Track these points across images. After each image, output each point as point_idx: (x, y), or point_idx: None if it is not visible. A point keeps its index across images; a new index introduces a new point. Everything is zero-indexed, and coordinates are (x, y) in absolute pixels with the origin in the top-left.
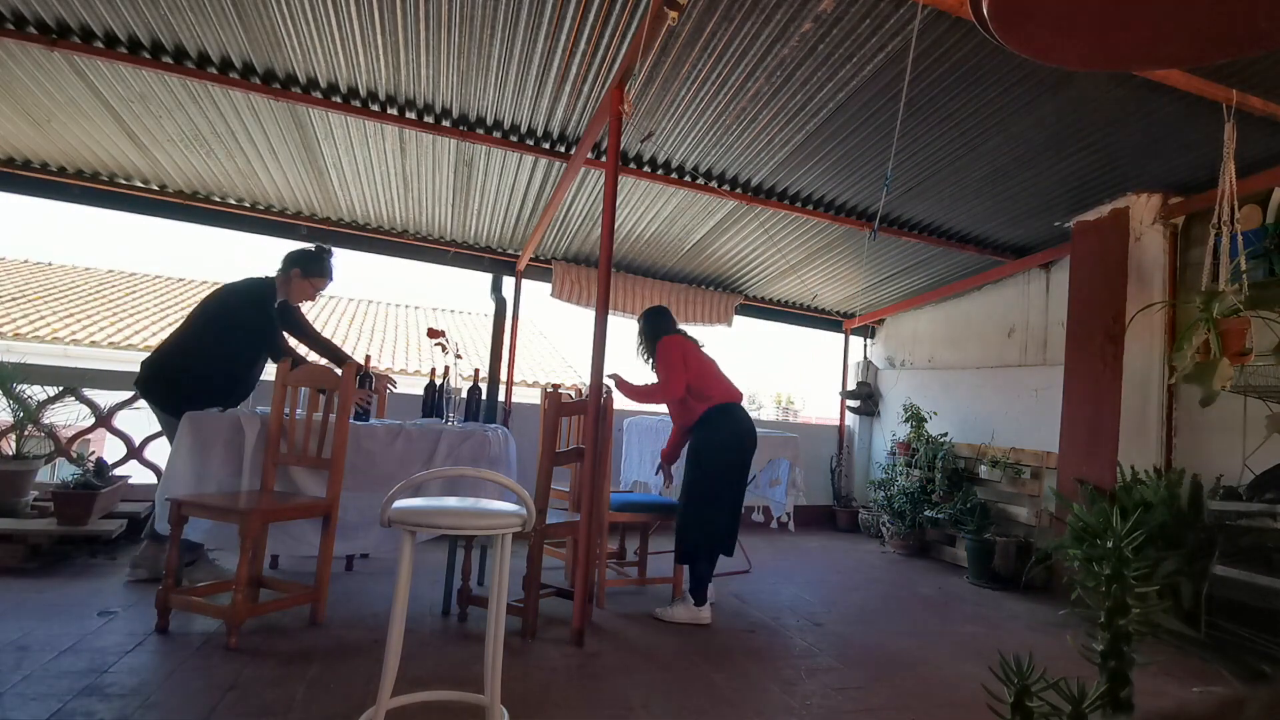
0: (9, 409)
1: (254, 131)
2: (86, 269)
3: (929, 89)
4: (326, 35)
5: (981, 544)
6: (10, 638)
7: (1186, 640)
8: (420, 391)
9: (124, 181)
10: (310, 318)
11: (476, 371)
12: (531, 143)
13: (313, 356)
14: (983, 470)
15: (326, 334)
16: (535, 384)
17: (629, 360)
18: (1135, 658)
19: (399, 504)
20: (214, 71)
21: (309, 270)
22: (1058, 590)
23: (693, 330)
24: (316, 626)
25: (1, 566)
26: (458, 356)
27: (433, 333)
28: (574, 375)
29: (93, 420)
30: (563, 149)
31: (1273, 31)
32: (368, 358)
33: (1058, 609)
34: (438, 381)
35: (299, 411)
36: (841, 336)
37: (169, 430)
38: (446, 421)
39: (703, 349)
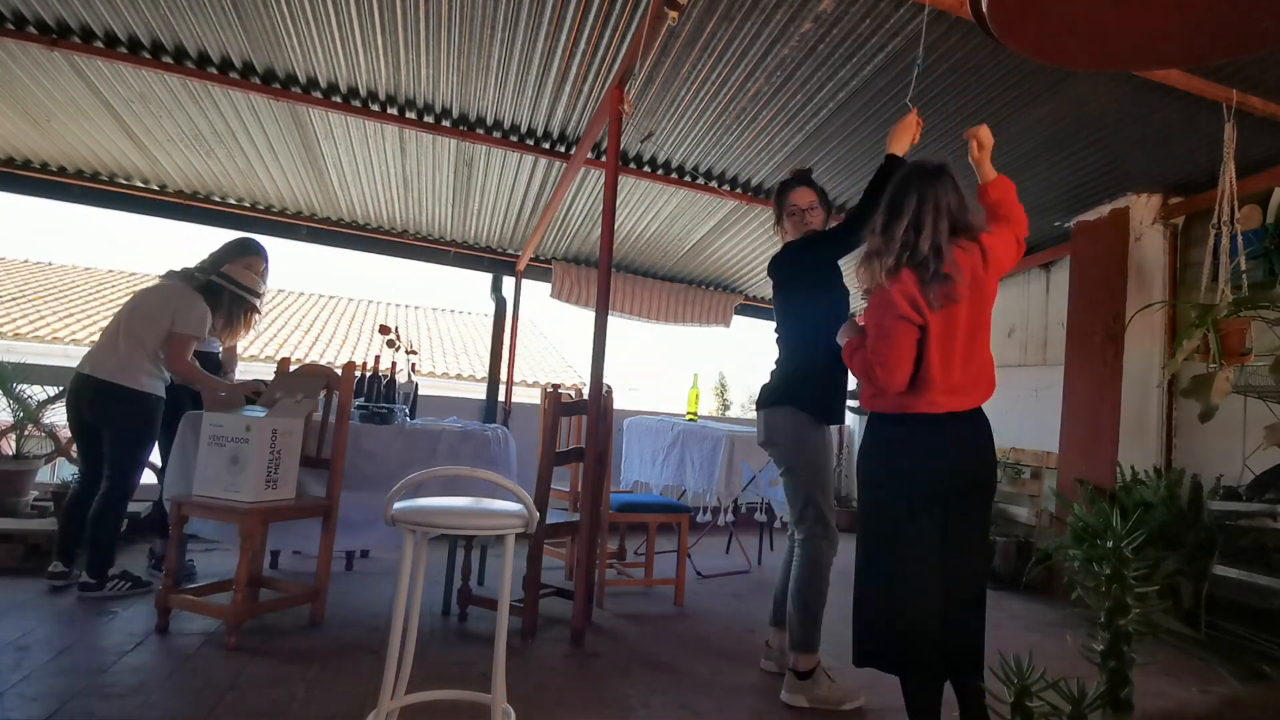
0: (9, 409)
1: (254, 131)
2: (86, 269)
3: (929, 89)
4: (326, 35)
5: None
6: (10, 638)
7: (1186, 640)
8: (428, 392)
9: (124, 181)
10: (309, 317)
11: (393, 364)
12: (531, 143)
13: None
14: None
15: (327, 334)
16: (535, 384)
17: (628, 360)
18: (1135, 658)
19: (402, 504)
20: (214, 71)
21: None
22: (1058, 590)
23: (692, 330)
24: (316, 626)
25: (1, 566)
26: (410, 352)
27: (384, 329)
28: (574, 375)
29: None
30: (563, 149)
31: (1273, 31)
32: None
33: (1058, 609)
34: (390, 376)
35: None
36: None
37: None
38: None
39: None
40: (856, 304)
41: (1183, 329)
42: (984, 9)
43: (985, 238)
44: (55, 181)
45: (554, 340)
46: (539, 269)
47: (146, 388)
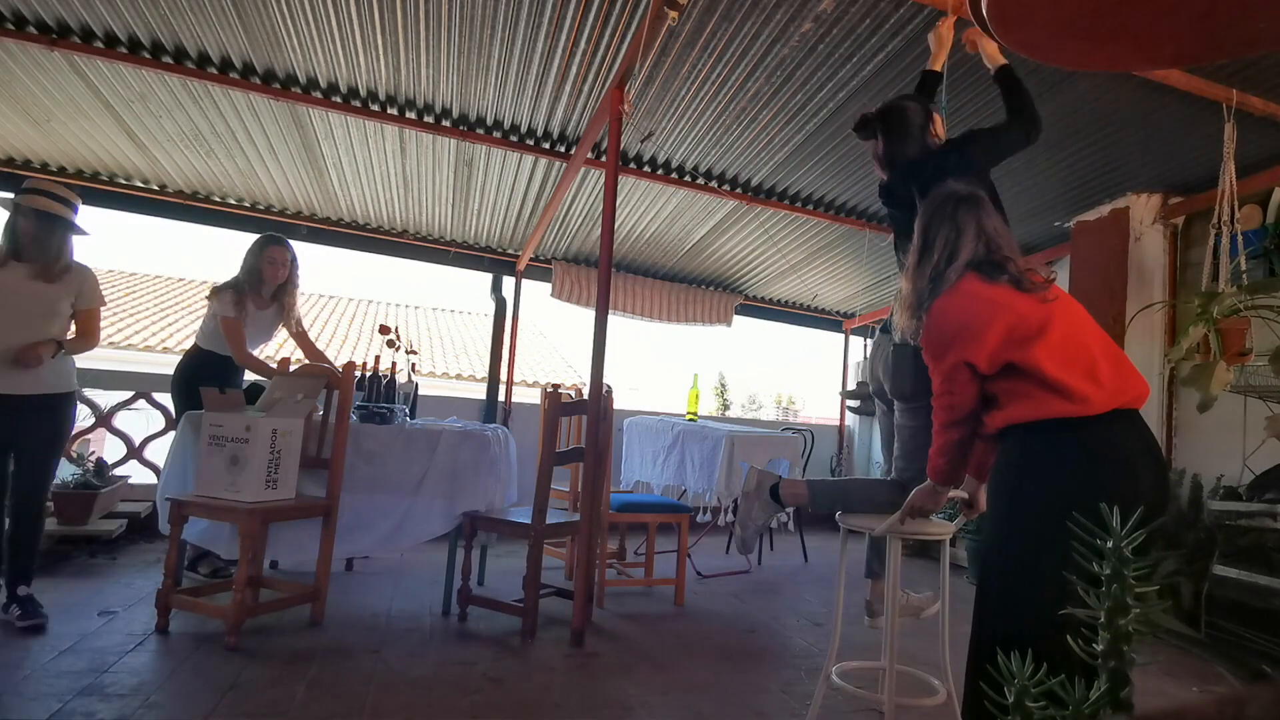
0: None
1: (254, 131)
2: None
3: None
4: (326, 35)
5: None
6: (10, 637)
7: (1186, 640)
8: (428, 392)
9: (124, 181)
10: (310, 317)
11: (393, 364)
12: (531, 143)
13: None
14: None
15: (327, 334)
16: (535, 384)
17: (628, 360)
18: (1135, 658)
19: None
20: (214, 71)
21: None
22: None
23: (692, 330)
24: (316, 627)
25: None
26: (410, 352)
27: (384, 329)
28: (574, 375)
29: (93, 420)
30: (563, 149)
31: (1272, 31)
32: None
33: None
34: (391, 376)
35: None
36: (841, 336)
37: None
38: (396, 413)
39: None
40: None
41: (1183, 326)
42: (984, 9)
43: None
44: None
45: (554, 340)
46: (539, 269)
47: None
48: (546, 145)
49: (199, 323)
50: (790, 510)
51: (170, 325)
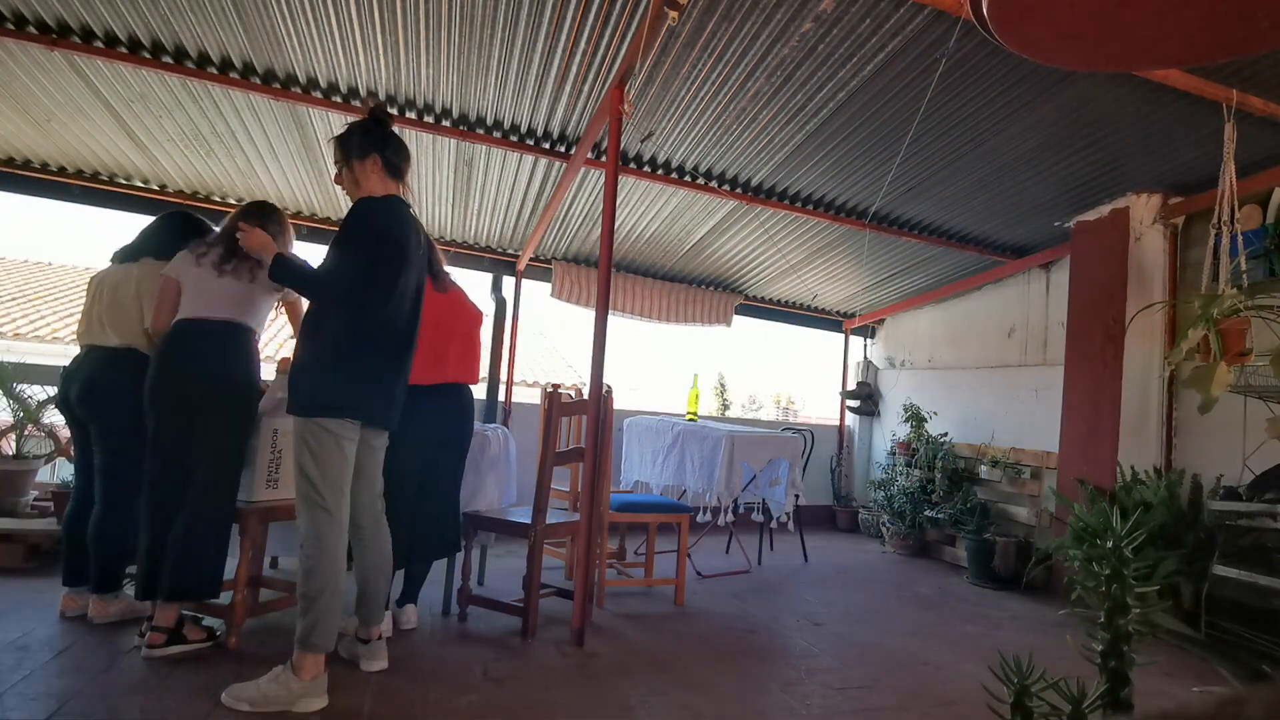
0: (9, 409)
1: (254, 131)
2: (86, 269)
3: (929, 89)
4: (326, 35)
5: (981, 544)
6: (10, 638)
7: (1186, 640)
8: None
9: (124, 181)
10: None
11: None
12: (531, 143)
13: None
14: (983, 470)
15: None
16: (535, 384)
17: (628, 360)
18: (1135, 658)
19: None
20: (214, 71)
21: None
22: (1058, 590)
23: (692, 330)
24: None
25: (1, 566)
26: None
27: None
28: (574, 375)
29: None
30: (563, 149)
31: (1272, 31)
32: None
33: (1058, 609)
34: None
35: None
36: (841, 336)
37: None
38: None
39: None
40: None
41: (1183, 326)
42: (984, 9)
43: None
44: (55, 181)
45: (554, 340)
46: (539, 269)
47: None
48: (546, 145)
49: None
50: (790, 510)
51: None
